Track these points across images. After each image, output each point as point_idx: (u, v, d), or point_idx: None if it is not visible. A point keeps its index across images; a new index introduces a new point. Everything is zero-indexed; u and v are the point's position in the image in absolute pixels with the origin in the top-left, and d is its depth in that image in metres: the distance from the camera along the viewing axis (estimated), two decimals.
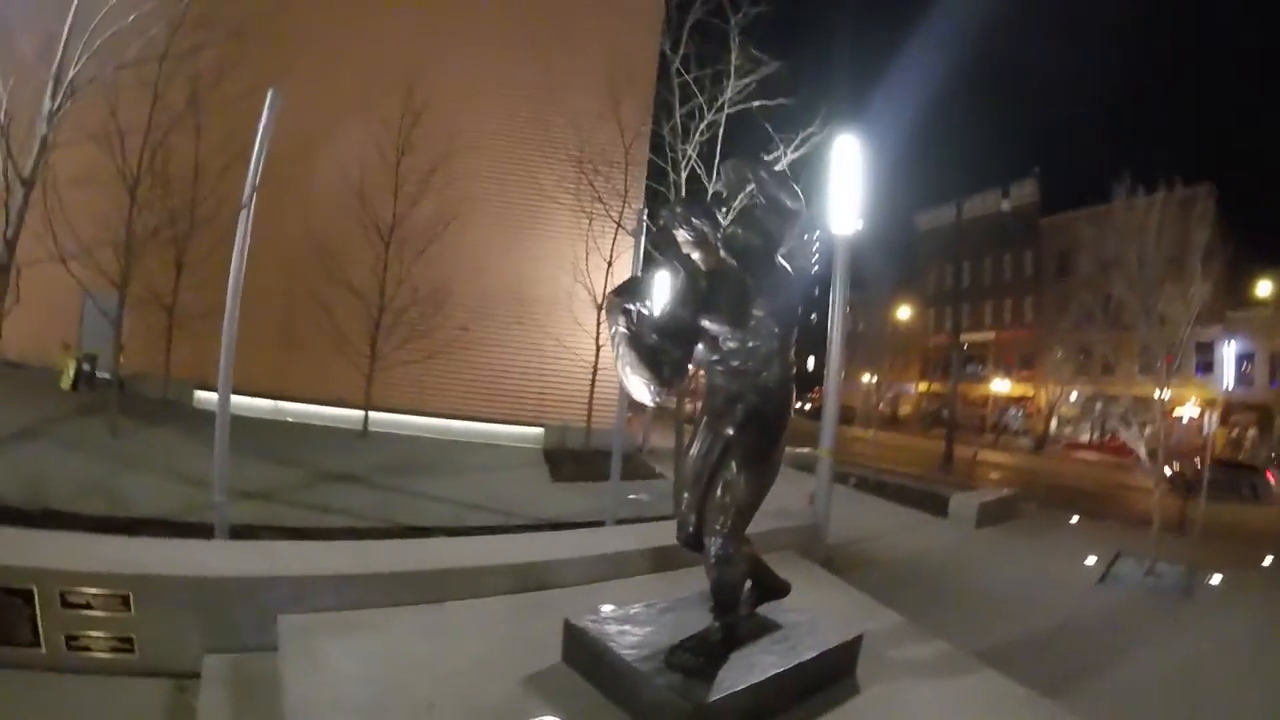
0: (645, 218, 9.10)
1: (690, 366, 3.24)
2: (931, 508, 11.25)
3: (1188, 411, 26.05)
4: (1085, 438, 33.89)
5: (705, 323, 3.17)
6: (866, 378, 42.02)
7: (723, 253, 3.27)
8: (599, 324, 12.80)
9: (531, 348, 15.93)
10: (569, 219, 14.58)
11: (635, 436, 15.81)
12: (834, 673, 3.62)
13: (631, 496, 9.26)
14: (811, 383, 37.95)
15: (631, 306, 2.88)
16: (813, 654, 3.47)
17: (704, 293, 3.18)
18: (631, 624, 3.54)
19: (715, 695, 2.96)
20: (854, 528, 8.91)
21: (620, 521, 7.53)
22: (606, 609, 3.78)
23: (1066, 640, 6.09)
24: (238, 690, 3.41)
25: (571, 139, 13.96)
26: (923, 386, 47.42)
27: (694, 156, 10.69)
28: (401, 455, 11.93)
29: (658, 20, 12.96)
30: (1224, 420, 27.19)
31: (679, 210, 3.26)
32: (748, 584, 3.84)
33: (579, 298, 13.82)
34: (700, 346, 3.26)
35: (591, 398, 14.09)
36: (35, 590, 3.54)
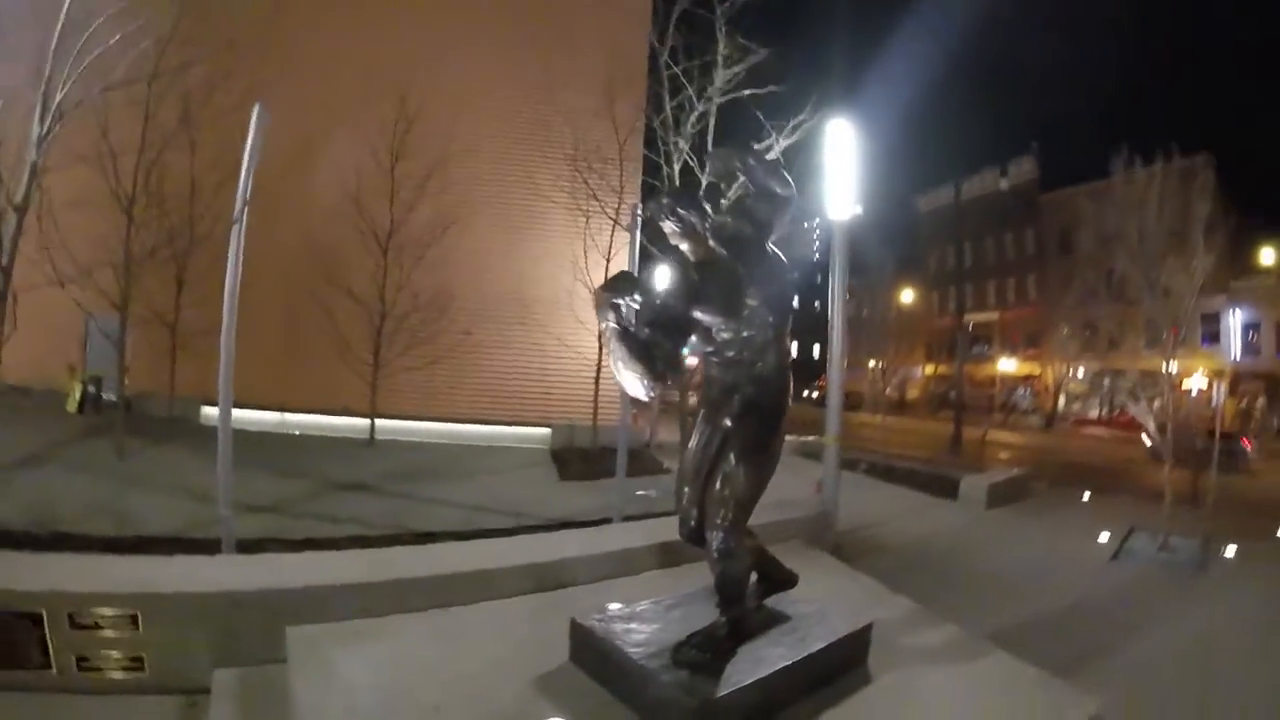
0: (639, 212, 9.08)
1: (685, 359, 3.21)
2: (941, 490, 11.19)
3: (1196, 383, 25.89)
4: (1094, 414, 33.73)
5: (697, 314, 3.14)
6: (873, 363, 41.97)
7: (712, 242, 3.24)
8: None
9: (535, 348, 15.94)
10: (567, 218, 14.60)
11: (642, 432, 15.79)
12: (845, 663, 3.59)
13: (640, 492, 9.24)
14: (816, 371, 37.87)
15: (621, 301, 2.85)
16: (822, 645, 3.44)
17: (695, 284, 3.15)
18: (638, 621, 3.52)
19: (723, 690, 2.94)
20: (863, 514, 8.88)
21: (628, 518, 7.52)
22: (613, 607, 3.77)
23: (1080, 619, 6.03)
24: (248, 703, 3.42)
25: (567, 138, 13.99)
26: (929, 369, 47.29)
27: (686, 149, 10.67)
28: (409, 462, 11.94)
29: (649, 15, 12.94)
30: (1233, 390, 26.99)
31: (665, 201, 3.22)
32: (754, 577, 3.82)
33: (580, 296, 13.82)
34: (694, 338, 3.23)
35: (596, 395, 14.10)
36: (44, 613, 3.56)
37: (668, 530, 3.73)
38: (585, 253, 13.64)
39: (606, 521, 7.33)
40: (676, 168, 10.85)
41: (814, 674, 3.36)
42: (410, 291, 14.33)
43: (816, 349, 40.36)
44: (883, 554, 7.56)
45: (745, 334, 3.26)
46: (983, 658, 3.96)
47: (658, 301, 3.08)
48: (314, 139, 14.46)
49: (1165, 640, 5.58)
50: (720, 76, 10.55)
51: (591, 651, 3.41)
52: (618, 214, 12.89)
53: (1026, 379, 40.85)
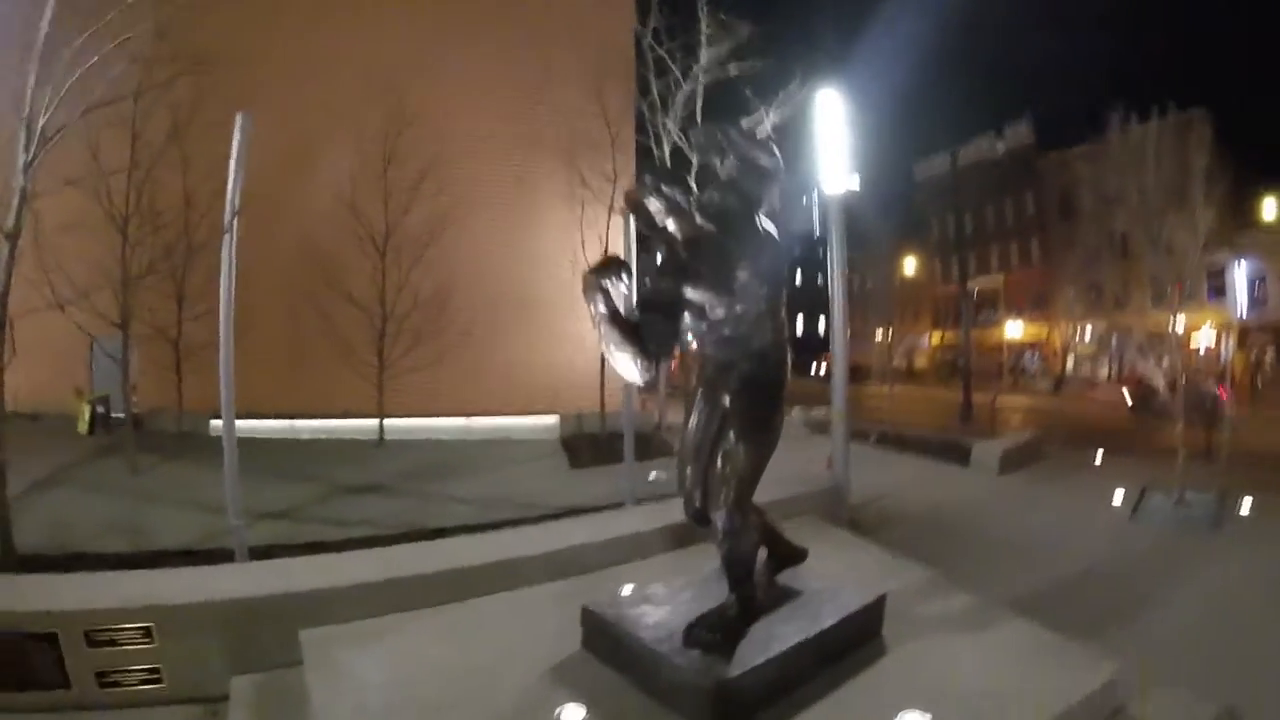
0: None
1: (678, 339, 3.16)
2: (953, 458, 11.15)
3: (1204, 338, 25.69)
4: (1104, 374, 33.51)
5: (688, 292, 3.10)
6: (880, 334, 41.77)
7: (699, 219, 3.19)
8: None
9: (538, 338, 15.92)
10: (564, 208, 14.57)
11: (651, 415, 15.78)
12: (859, 636, 3.57)
13: (651, 476, 9.24)
14: (822, 346, 37.77)
15: (610, 284, 2.80)
16: (835, 619, 3.42)
17: (684, 262, 3.11)
18: (649, 605, 3.52)
19: (736, 670, 2.93)
20: (876, 485, 8.84)
21: (639, 502, 7.51)
22: (624, 591, 3.76)
23: (1098, 581, 5.99)
24: (265, 708, 3.44)
25: (558, 128, 13.92)
26: (936, 338, 47.06)
27: (675, 130, 10.59)
28: (419, 460, 11.97)
29: (633, 1, 12.84)
30: (1241, 344, 26.71)
31: (648, 181, 3.18)
32: (763, 554, 3.80)
33: (580, 284, 13.78)
34: (687, 317, 3.19)
35: (603, 381, 14.07)
36: (59, 633, 3.58)
37: (678, 512, 3.71)
38: (583, 242, 13.60)
39: (618, 507, 7.33)
40: (667, 150, 10.77)
41: (828, 649, 3.34)
42: (410, 291, 14.32)
43: (821, 323, 40.17)
44: (897, 524, 7.53)
45: (739, 309, 3.22)
46: (999, 625, 3.93)
47: (647, 282, 3.04)
48: (307, 145, 14.42)
49: (1185, 599, 5.52)
50: (705, 56, 10.45)
51: (604, 638, 3.41)
52: (613, 201, 12.85)
53: (1034, 343, 40.61)
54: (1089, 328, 35.22)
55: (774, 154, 3.42)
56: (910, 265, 44.42)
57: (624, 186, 13.07)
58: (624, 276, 2.83)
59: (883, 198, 39.99)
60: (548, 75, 15.45)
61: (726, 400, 3.30)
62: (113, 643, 3.64)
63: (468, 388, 15.75)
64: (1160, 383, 8.93)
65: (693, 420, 3.48)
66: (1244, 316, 27.53)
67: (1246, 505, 8.05)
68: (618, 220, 12.63)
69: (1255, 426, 15.23)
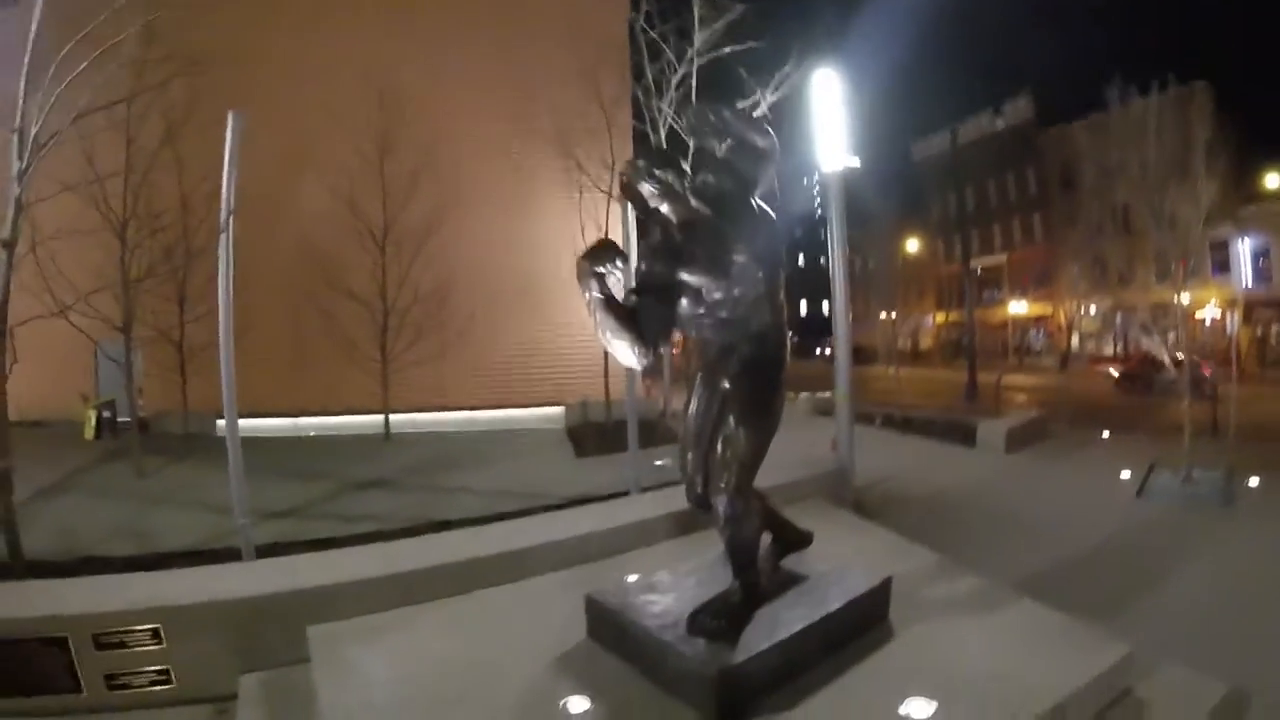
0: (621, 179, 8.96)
1: (676, 324, 3.12)
2: (959, 438, 11.13)
3: (1209, 313, 25.56)
4: (1109, 351, 33.38)
5: (685, 276, 3.06)
6: (884, 315, 41.61)
7: (693, 202, 3.15)
8: None
9: (541, 329, 15.97)
10: (562, 196, 14.56)
11: (656, 402, 15.78)
12: (865, 620, 3.54)
13: (658, 463, 9.25)
14: (826, 328, 37.69)
15: (603, 270, 2.76)
16: (840, 603, 3.39)
17: (679, 245, 3.07)
18: (654, 592, 3.50)
19: (741, 657, 2.91)
20: (881, 467, 8.83)
21: (645, 490, 7.51)
22: (629, 580, 3.75)
23: (1107, 560, 5.95)
24: (274, 706, 3.44)
25: (554, 116, 13.88)
26: (941, 317, 46.93)
27: (670, 113, 10.52)
28: (426, 454, 12.00)
29: None
30: (1247, 319, 26.52)
31: (640, 164, 3.13)
32: (767, 538, 3.79)
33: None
34: (684, 301, 3.14)
35: (607, 370, 14.08)
36: (69, 637, 3.59)
37: (683, 499, 3.69)
38: (582, 229, 13.56)
39: (623, 495, 7.33)
40: (663, 133, 10.70)
41: (834, 633, 3.31)
42: (411, 286, 14.37)
43: (825, 306, 40.02)
44: (903, 506, 7.52)
45: (736, 292, 3.17)
46: (1007, 606, 3.88)
47: (643, 267, 3.00)
48: (303, 143, 14.46)
49: (1193, 577, 5.46)
50: (698, 37, 10.34)
51: (609, 626, 3.40)
52: (610, 187, 12.80)
53: (1038, 320, 40.46)
54: (1093, 305, 35.04)
55: (769, 134, 3.37)
56: (913, 245, 44.23)
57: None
58: (618, 261, 2.79)
59: (883, 177, 39.80)
60: (542, 63, 15.39)
61: (726, 384, 3.27)
62: (122, 645, 3.65)
63: (472, 380, 15.81)
64: (1166, 359, 8.85)
65: (693, 405, 3.45)
66: (1248, 287, 27.34)
67: (1254, 482, 8.00)
68: (617, 207, 12.60)
69: (1262, 402, 15.16)
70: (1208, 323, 25.63)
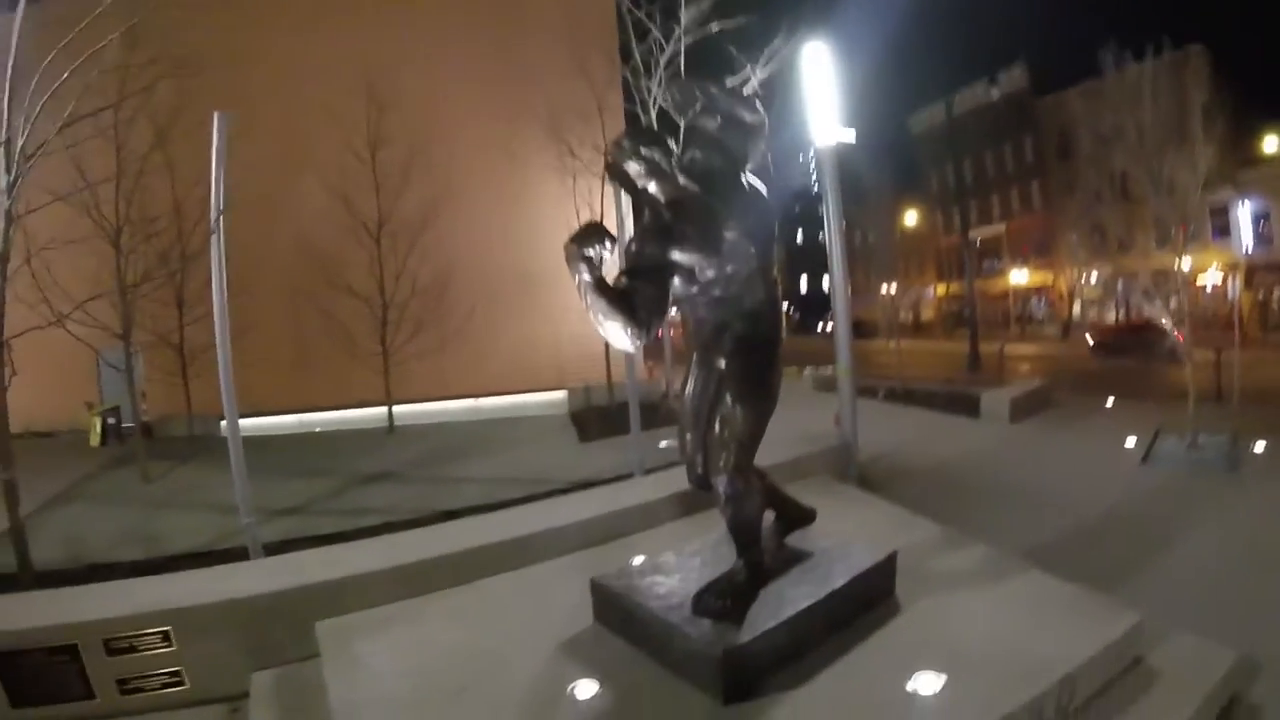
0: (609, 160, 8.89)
1: (668, 304, 3.08)
2: (963, 409, 11.09)
3: (1210, 278, 25.39)
4: (1111, 318, 33.22)
5: (676, 255, 3.01)
6: (884, 289, 41.45)
7: (682, 179, 3.10)
8: None
9: (540, 314, 15.90)
10: (555, 181, 14.50)
11: (658, 384, 15.79)
12: (872, 595, 3.53)
13: (662, 445, 9.26)
14: (826, 304, 37.57)
15: (592, 252, 2.72)
16: (846, 579, 3.38)
17: (669, 225, 3.03)
18: (659, 574, 3.50)
19: (747, 636, 2.91)
20: (885, 441, 8.81)
21: (648, 472, 7.51)
22: (634, 562, 3.75)
23: (1115, 528, 5.91)
24: (286, 702, 3.45)
25: (545, 101, 13.85)
26: (941, 289, 46.71)
27: (660, 93, 10.41)
28: (431, 445, 12.03)
29: None
30: (1248, 283, 26.30)
31: (625, 144, 3.08)
32: (770, 516, 3.77)
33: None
34: (677, 281, 3.09)
35: (608, 354, 14.09)
36: (79, 644, 3.60)
37: (686, 480, 3.67)
38: (577, 214, 13.50)
39: (627, 478, 7.33)
40: (653, 114, 10.60)
41: (839, 610, 3.30)
42: (409, 278, 14.40)
43: (825, 281, 39.86)
44: (908, 479, 7.49)
45: (729, 269, 3.13)
46: (1015, 577, 3.86)
47: (633, 247, 2.96)
48: (295, 142, 14.44)
49: (1200, 543, 5.42)
50: (685, 15, 10.20)
51: (614, 610, 3.40)
52: (603, 170, 12.74)
53: (1039, 289, 40.26)
54: (1094, 272, 34.84)
55: (758, 109, 3.32)
56: (911, 218, 43.96)
57: None
58: (607, 243, 2.74)
59: (880, 150, 39.47)
60: (531, 50, 15.30)
61: (721, 363, 3.24)
62: (132, 649, 3.65)
63: (473, 369, 15.84)
64: (1168, 325, 8.78)
65: (690, 385, 3.43)
66: (1249, 251, 27.12)
67: (1259, 447, 7.94)
68: (610, 190, 12.53)
69: (1265, 366, 15.08)
70: (1209, 288, 25.47)
